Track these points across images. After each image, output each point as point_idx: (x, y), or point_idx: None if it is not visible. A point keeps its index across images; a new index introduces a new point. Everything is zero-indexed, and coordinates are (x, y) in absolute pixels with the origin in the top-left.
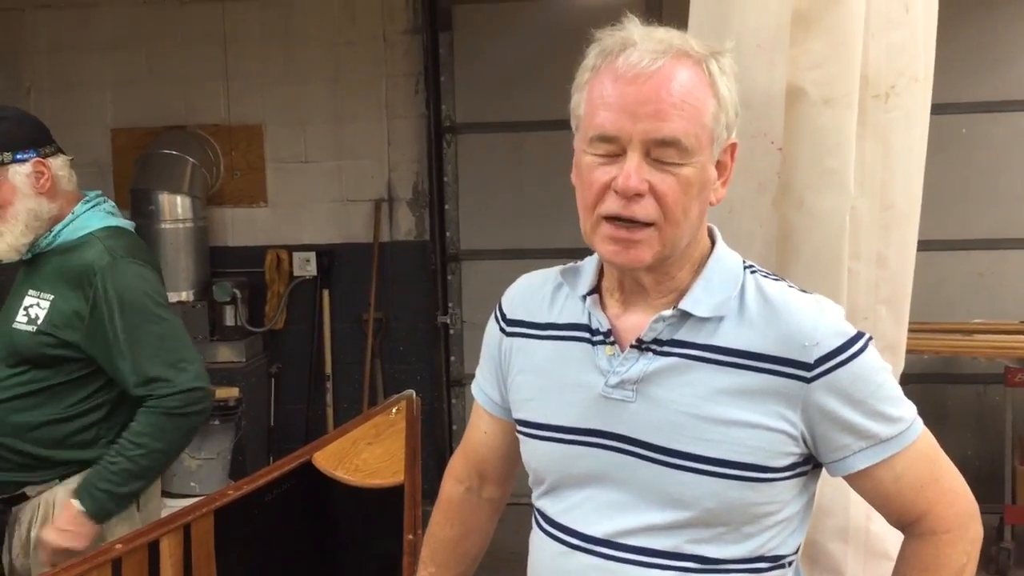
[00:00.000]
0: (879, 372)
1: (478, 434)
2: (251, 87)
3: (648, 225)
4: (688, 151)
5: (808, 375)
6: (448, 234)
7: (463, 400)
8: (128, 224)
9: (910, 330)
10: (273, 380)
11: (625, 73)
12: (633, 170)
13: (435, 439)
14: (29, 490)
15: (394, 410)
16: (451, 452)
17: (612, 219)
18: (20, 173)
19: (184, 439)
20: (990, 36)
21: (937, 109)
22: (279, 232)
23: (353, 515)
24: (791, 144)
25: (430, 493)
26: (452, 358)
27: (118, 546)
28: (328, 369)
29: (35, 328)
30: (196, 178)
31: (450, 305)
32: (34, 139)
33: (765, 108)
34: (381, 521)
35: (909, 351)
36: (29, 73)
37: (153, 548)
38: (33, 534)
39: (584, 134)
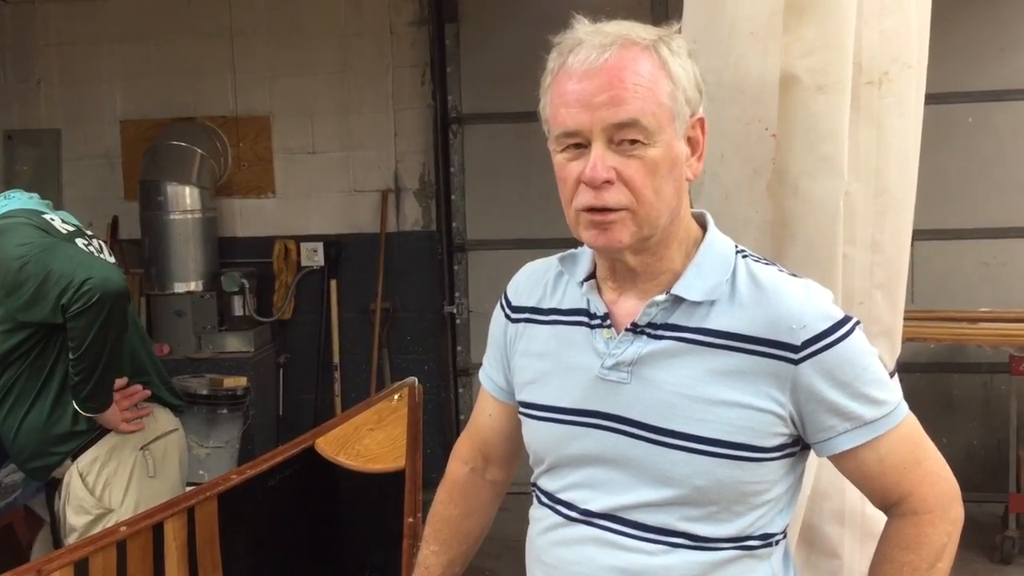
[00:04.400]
0: (865, 356)
1: (483, 417)
2: (259, 79)
3: (621, 208)
4: (649, 131)
5: (795, 357)
6: (454, 224)
7: (470, 389)
8: (19, 203)
9: (916, 318)
10: (281, 370)
11: (577, 70)
12: (598, 160)
13: (442, 429)
14: (56, 473)
15: (396, 397)
16: None
17: (588, 210)
18: None
19: (103, 328)
20: (996, 24)
21: (943, 98)
22: (287, 223)
23: (355, 499)
24: (785, 131)
25: (437, 481)
26: (459, 348)
27: (122, 528)
28: (336, 359)
29: None
30: (204, 169)
31: (456, 295)
32: None
33: (759, 95)
34: (382, 505)
35: (915, 339)
36: (39, 66)
37: (157, 531)
38: (57, 509)
39: (552, 134)
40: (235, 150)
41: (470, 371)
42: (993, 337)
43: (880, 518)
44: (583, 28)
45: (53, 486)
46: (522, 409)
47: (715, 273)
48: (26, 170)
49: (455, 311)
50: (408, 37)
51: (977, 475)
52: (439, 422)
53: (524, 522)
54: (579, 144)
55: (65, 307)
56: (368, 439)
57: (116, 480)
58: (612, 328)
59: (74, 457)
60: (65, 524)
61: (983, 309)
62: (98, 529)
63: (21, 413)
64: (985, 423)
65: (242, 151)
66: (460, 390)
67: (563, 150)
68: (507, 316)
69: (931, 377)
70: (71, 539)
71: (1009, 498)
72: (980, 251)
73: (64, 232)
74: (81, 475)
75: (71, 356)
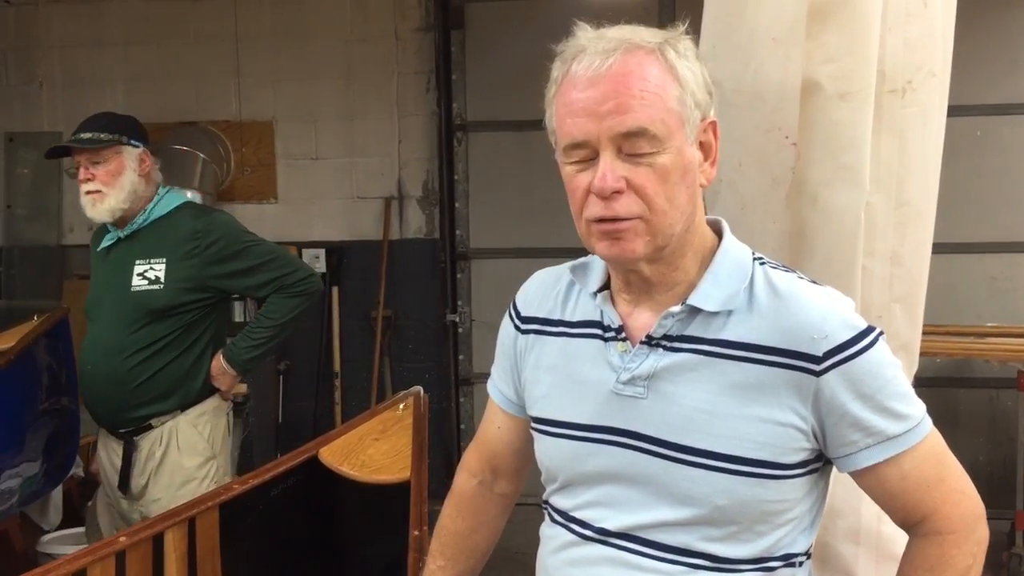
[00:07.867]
0: (889, 367)
1: (492, 429)
2: (262, 83)
3: (633, 217)
4: (658, 138)
5: (817, 368)
6: (458, 232)
7: (471, 399)
8: (197, 197)
9: (923, 332)
10: (281, 377)
11: (581, 78)
12: (607, 170)
13: (443, 438)
14: (155, 421)
15: (401, 406)
16: (459, 451)
17: (599, 221)
18: (132, 155)
19: (300, 314)
20: (1005, 38)
21: (951, 111)
22: (289, 229)
23: (358, 511)
24: (806, 139)
25: (438, 492)
26: (461, 356)
27: (122, 539)
28: (336, 367)
29: (162, 285)
30: (207, 174)
31: (459, 303)
32: (143, 137)
33: (780, 102)
34: (386, 517)
35: (922, 353)
36: (41, 68)
37: (158, 541)
38: (157, 456)
39: (559, 145)
40: (238, 155)
41: (472, 381)
42: (1001, 352)
43: (896, 538)
44: (585, 35)
45: (133, 434)
46: (534, 425)
47: (732, 282)
48: (27, 172)
49: (457, 320)
50: (413, 44)
51: (983, 492)
52: (440, 432)
53: (524, 534)
54: (587, 156)
55: (286, 286)
56: (372, 449)
57: (216, 433)
58: (627, 341)
59: (183, 409)
60: (173, 469)
61: (990, 324)
62: (204, 472)
63: (164, 361)
64: (991, 439)
65: (245, 156)
66: (462, 400)
67: (571, 162)
68: (516, 327)
69: (936, 392)
70: (182, 480)
71: (1016, 515)
72: (987, 265)
73: None
74: (193, 424)
75: (260, 325)
